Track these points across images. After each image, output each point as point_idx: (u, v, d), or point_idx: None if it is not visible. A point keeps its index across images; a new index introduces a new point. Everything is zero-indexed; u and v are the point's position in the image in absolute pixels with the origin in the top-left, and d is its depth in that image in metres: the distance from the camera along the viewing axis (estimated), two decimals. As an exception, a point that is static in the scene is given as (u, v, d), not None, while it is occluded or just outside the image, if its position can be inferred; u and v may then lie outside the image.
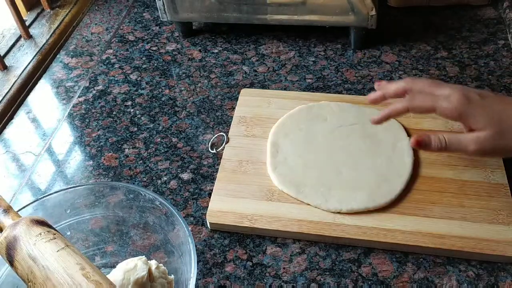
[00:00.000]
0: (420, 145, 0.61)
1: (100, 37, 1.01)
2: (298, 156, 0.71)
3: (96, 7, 1.09)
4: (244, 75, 0.89)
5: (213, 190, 0.69)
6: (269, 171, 0.70)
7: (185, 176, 0.73)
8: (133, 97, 0.86)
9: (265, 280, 0.61)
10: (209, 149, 0.76)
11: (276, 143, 0.73)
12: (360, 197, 0.65)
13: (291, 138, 0.73)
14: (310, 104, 0.78)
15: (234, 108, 0.81)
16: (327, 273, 0.61)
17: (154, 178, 0.73)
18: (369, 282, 0.60)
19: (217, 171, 0.72)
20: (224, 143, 0.76)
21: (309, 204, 0.66)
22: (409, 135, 0.73)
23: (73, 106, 0.86)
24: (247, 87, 0.86)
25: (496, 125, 0.57)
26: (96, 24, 1.05)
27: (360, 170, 0.69)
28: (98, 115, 0.84)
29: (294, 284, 0.61)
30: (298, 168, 0.70)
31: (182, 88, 0.87)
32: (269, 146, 0.73)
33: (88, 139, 0.80)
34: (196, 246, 0.60)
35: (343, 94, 0.83)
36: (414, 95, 0.62)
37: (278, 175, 0.69)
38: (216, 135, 0.78)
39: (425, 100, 0.61)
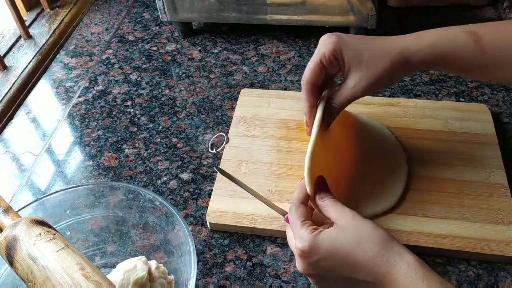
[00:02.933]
0: (329, 126, 0.62)
1: (100, 37, 1.01)
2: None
3: (96, 7, 1.09)
4: (244, 75, 0.89)
5: (213, 190, 0.69)
6: None
7: (185, 176, 0.73)
8: (133, 97, 0.86)
9: (265, 280, 0.61)
10: (209, 149, 0.76)
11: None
12: (365, 205, 0.65)
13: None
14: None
15: (234, 108, 0.81)
16: (327, 273, 0.61)
17: (154, 178, 0.73)
18: (369, 282, 0.60)
19: (217, 171, 0.72)
20: (224, 143, 0.76)
21: None
22: (394, 133, 0.73)
23: (73, 106, 0.86)
24: (247, 87, 0.86)
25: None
26: (96, 24, 1.05)
27: (358, 176, 0.68)
28: (98, 115, 0.84)
29: (294, 284, 0.61)
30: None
31: (182, 88, 0.87)
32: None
33: (88, 139, 0.80)
34: (196, 246, 0.60)
35: (343, 94, 0.83)
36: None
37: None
38: (216, 135, 0.78)
39: None
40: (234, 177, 0.61)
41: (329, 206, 0.55)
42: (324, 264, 0.51)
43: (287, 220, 0.58)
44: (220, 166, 0.72)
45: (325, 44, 0.59)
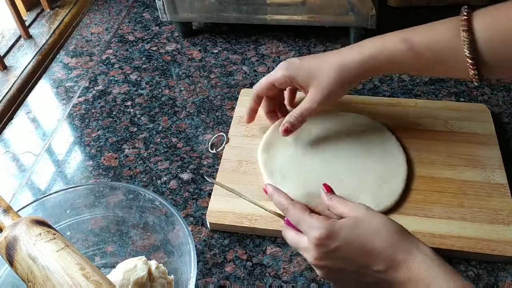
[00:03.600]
0: (287, 132, 0.69)
1: (100, 37, 1.01)
2: (295, 173, 0.69)
3: (96, 7, 1.09)
4: (244, 75, 0.89)
5: (213, 190, 0.69)
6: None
7: (185, 176, 0.73)
8: (133, 97, 0.86)
9: (265, 280, 0.61)
10: (209, 149, 0.76)
11: (267, 164, 0.71)
12: (365, 203, 0.65)
13: (282, 156, 0.71)
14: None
15: (234, 108, 0.81)
16: (327, 273, 0.61)
17: (154, 178, 0.73)
18: (369, 282, 0.60)
19: (217, 171, 0.72)
20: (224, 143, 0.76)
21: None
22: (394, 133, 0.73)
23: (73, 106, 0.86)
24: (247, 87, 0.86)
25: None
26: (96, 24, 1.05)
27: (358, 176, 0.68)
28: (98, 115, 0.84)
29: (294, 284, 0.61)
30: (299, 185, 0.67)
31: (182, 88, 0.87)
32: (262, 168, 0.70)
33: (88, 139, 0.80)
34: (196, 246, 0.60)
35: (343, 94, 0.83)
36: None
37: None
38: (216, 135, 0.78)
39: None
40: (224, 185, 0.63)
41: (339, 204, 0.56)
42: (341, 253, 0.52)
43: (288, 223, 0.58)
44: (220, 166, 0.72)
45: (279, 70, 0.69)
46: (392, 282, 0.50)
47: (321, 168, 0.70)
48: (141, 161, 0.76)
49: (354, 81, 0.68)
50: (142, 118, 0.83)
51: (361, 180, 0.68)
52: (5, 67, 0.94)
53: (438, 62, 0.61)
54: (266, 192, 0.61)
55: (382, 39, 0.64)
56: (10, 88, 0.90)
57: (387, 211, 0.65)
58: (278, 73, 0.69)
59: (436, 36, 0.61)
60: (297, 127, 0.69)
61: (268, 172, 0.70)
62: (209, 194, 0.70)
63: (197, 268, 0.58)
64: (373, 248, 0.51)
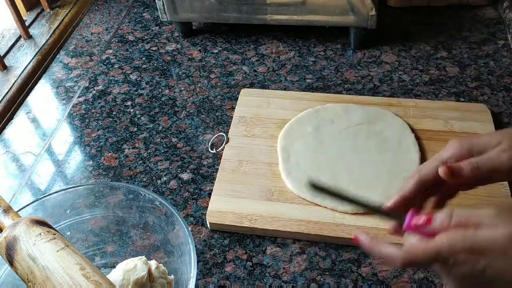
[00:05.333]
0: (448, 173, 0.47)
1: (100, 37, 1.01)
2: (310, 160, 0.71)
3: (96, 7, 1.09)
4: (244, 75, 0.89)
5: (213, 190, 0.69)
6: (283, 177, 0.69)
7: (185, 176, 0.73)
8: (133, 97, 0.86)
9: (265, 280, 0.61)
10: (209, 149, 0.76)
11: (286, 148, 0.73)
12: (375, 196, 0.65)
13: (301, 142, 0.73)
14: (316, 108, 0.78)
15: (234, 108, 0.81)
16: (327, 273, 0.61)
17: (154, 178, 0.73)
18: (369, 282, 0.60)
19: (217, 171, 0.72)
20: (224, 143, 0.76)
21: (326, 207, 0.66)
22: (413, 131, 0.73)
23: (73, 106, 0.86)
24: (247, 87, 0.86)
25: None
26: (96, 24, 1.05)
27: (370, 169, 0.69)
28: (98, 115, 0.84)
29: (294, 284, 0.61)
30: (311, 172, 0.69)
31: (182, 88, 0.87)
32: (279, 151, 0.72)
33: (88, 139, 0.80)
34: (196, 246, 0.60)
35: (342, 94, 0.83)
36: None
37: (293, 181, 0.68)
38: (216, 135, 0.78)
39: None
40: (330, 189, 0.50)
41: (461, 212, 0.42)
42: (490, 273, 0.38)
43: (408, 226, 0.45)
44: (220, 166, 0.72)
45: (450, 145, 0.48)
46: None
47: (336, 158, 0.71)
48: (141, 161, 0.76)
49: None
50: (142, 118, 0.83)
51: (372, 174, 0.69)
52: (5, 67, 0.94)
53: None
54: (358, 241, 0.46)
55: None
56: (10, 88, 0.90)
57: None
58: (451, 147, 0.47)
59: None
60: (462, 176, 0.47)
61: (284, 157, 0.71)
62: (209, 194, 0.70)
63: (197, 268, 0.58)
64: None
